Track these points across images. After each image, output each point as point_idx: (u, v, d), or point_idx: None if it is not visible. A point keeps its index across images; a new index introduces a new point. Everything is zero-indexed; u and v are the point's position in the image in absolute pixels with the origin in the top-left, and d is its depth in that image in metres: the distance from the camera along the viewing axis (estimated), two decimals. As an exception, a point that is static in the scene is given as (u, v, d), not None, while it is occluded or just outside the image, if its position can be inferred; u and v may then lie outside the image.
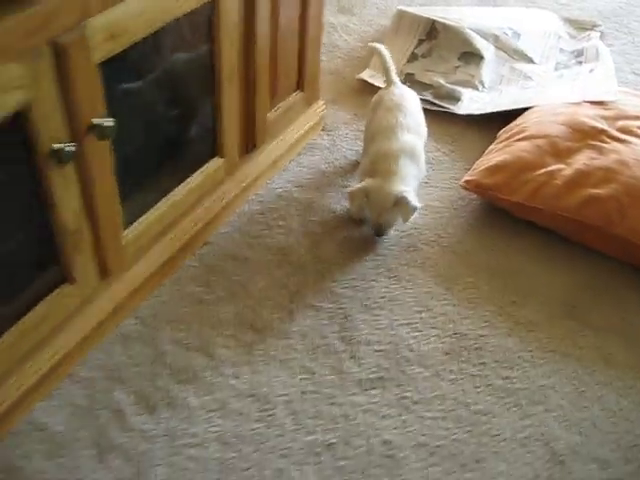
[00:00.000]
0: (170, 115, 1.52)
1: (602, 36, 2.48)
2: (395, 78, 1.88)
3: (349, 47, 2.41)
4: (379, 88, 1.98)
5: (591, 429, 1.39)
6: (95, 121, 1.22)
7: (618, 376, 1.49)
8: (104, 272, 1.42)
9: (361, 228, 1.75)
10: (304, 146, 1.98)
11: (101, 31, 1.17)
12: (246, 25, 1.53)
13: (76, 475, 1.26)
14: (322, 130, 2.06)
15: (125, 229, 1.44)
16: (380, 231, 1.70)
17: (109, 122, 1.23)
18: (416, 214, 1.65)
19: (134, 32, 1.25)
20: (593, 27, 2.49)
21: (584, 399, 1.45)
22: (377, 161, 1.69)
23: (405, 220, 1.67)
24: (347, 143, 2.03)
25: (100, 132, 1.23)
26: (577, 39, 2.43)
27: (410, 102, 1.82)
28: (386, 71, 1.88)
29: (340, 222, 1.77)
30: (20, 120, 1.10)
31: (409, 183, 1.65)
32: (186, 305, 1.55)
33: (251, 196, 1.82)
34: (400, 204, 1.63)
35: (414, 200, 1.64)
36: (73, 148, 1.19)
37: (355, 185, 1.69)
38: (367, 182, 1.66)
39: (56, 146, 1.16)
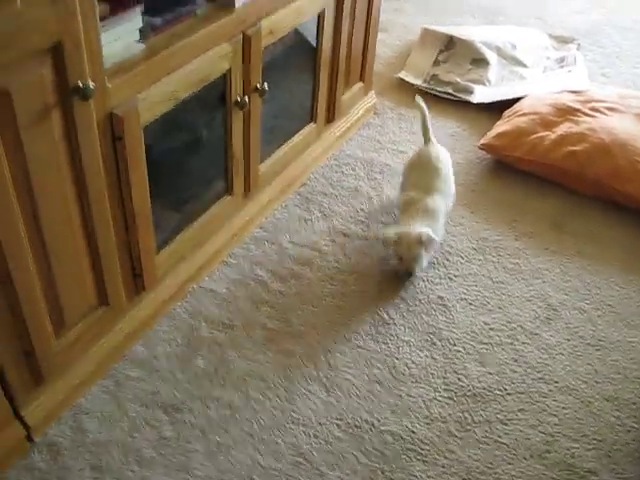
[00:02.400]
0: (291, 86, 2.25)
1: (579, 47, 3.28)
2: (432, 137, 2.22)
3: (386, 56, 3.18)
4: (411, 84, 2.73)
5: (573, 292, 2.12)
6: (258, 85, 1.96)
7: (588, 262, 2.22)
8: (247, 190, 2.14)
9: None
10: (363, 123, 2.73)
11: (266, 29, 1.92)
12: (335, 29, 2.27)
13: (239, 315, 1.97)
14: (374, 113, 2.80)
15: (261, 163, 2.17)
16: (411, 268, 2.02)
17: (265, 86, 1.97)
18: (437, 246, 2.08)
19: (282, 29, 2.00)
20: (572, 41, 3.28)
21: (567, 275, 2.17)
22: (406, 211, 2.08)
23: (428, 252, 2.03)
24: (392, 122, 2.78)
25: (260, 92, 1.97)
26: (559, 50, 3.21)
27: (444, 163, 2.16)
28: (425, 130, 2.22)
29: (393, 173, 2.50)
30: (224, 79, 1.84)
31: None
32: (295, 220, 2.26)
33: (329, 156, 2.55)
34: (423, 242, 1.97)
35: (433, 235, 1.99)
36: (246, 100, 1.92)
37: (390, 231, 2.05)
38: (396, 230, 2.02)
39: (239, 98, 1.90)
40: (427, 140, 2.22)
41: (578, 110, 2.60)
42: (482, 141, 2.57)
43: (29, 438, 1.63)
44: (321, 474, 1.60)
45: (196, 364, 1.82)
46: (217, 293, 2.01)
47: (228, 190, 2.06)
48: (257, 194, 2.20)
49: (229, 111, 1.89)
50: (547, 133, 2.52)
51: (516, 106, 2.71)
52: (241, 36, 1.81)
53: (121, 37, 1.48)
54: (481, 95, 2.87)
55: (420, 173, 2.14)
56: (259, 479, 1.59)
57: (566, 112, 2.59)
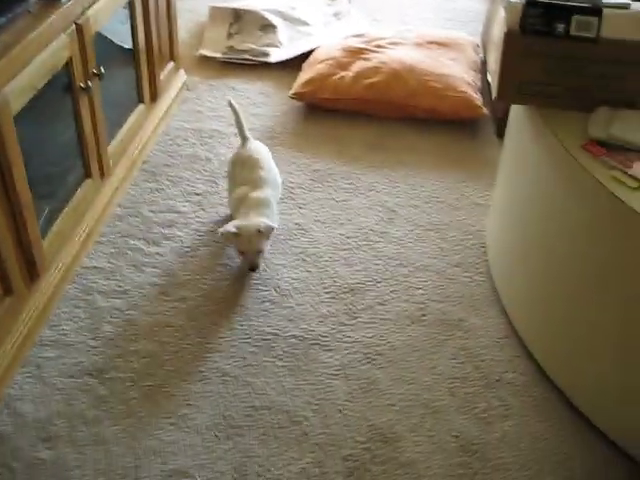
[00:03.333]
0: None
1: (350, 1, 3.68)
2: (248, 134, 2.28)
3: (182, 38, 3.37)
4: (212, 57, 2.99)
5: (403, 194, 2.49)
6: (95, 70, 2.13)
7: (409, 169, 2.61)
8: (102, 172, 2.30)
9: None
10: (181, 99, 2.96)
11: (93, 17, 2.09)
12: (144, 16, 2.47)
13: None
14: (187, 89, 3.03)
15: (108, 146, 2.33)
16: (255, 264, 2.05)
17: (102, 69, 2.14)
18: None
19: (105, 17, 2.18)
20: (341, -4, 3.68)
21: (395, 182, 2.54)
22: (238, 208, 2.10)
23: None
24: (205, 93, 3.03)
25: (99, 76, 2.14)
26: (333, 5, 3.59)
27: (263, 155, 2.23)
28: (240, 129, 2.28)
29: (222, 135, 2.74)
30: (67, 68, 1.99)
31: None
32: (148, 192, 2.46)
33: (160, 132, 2.75)
34: (262, 231, 2.00)
35: (271, 223, 2.03)
36: (90, 85, 2.09)
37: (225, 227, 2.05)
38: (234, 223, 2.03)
39: (83, 84, 2.06)
40: (244, 138, 2.27)
41: (365, 49, 2.98)
42: (292, 91, 2.88)
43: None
44: (247, 383, 1.84)
45: (104, 330, 1.98)
46: (101, 268, 2.17)
47: (87, 173, 2.21)
48: (110, 175, 2.36)
49: (76, 97, 2.05)
50: (345, 73, 2.88)
51: (312, 57, 3.04)
52: (74, 26, 1.98)
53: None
54: (277, 55, 3.18)
55: (244, 170, 2.17)
56: (196, 403, 1.79)
57: (356, 53, 2.96)
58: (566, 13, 1.60)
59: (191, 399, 1.79)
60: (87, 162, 2.18)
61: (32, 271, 1.92)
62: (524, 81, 1.72)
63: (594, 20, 1.59)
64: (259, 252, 2.03)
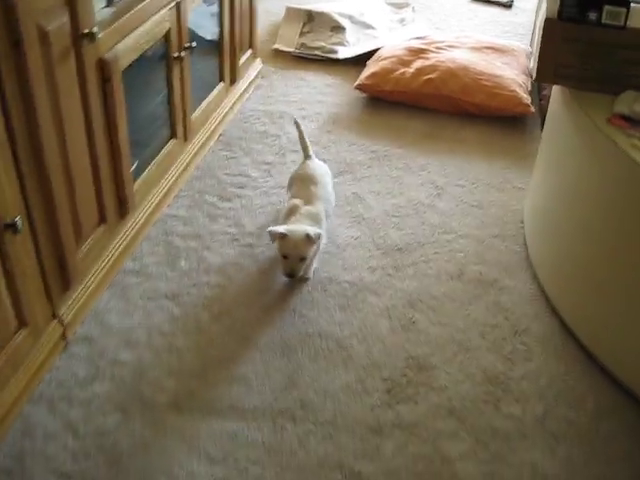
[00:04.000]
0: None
1: (414, 10, 3.98)
2: (311, 152, 2.37)
3: (259, 35, 3.73)
4: (287, 53, 3.32)
5: (452, 175, 2.74)
6: (187, 44, 2.45)
7: (459, 156, 2.87)
8: (185, 135, 2.62)
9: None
10: (256, 84, 3.27)
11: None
12: (231, 11, 2.80)
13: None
14: (262, 77, 3.35)
15: (192, 114, 2.65)
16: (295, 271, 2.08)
17: (193, 44, 2.46)
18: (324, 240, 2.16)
19: (199, -3, 2.50)
20: (406, 5, 3.98)
21: (445, 165, 2.80)
22: (289, 217, 2.15)
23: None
24: (277, 81, 3.34)
25: (190, 50, 2.46)
26: (398, 13, 3.89)
27: (321, 173, 2.30)
28: (304, 146, 2.38)
29: (290, 116, 3.05)
30: (166, 38, 2.31)
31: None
32: (223, 159, 2.76)
33: (235, 111, 3.06)
34: (312, 238, 2.04)
35: (320, 231, 2.08)
36: (182, 55, 2.41)
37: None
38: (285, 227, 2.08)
39: (177, 54, 2.38)
40: (307, 156, 2.36)
41: (426, 50, 3.26)
42: (357, 82, 3.18)
43: (64, 336, 2.03)
44: (303, 315, 2.11)
45: (180, 265, 2.28)
46: (179, 216, 2.47)
47: (172, 134, 2.52)
48: (191, 140, 2.68)
49: (170, 65, 2.37)
50: (406, 69, 3.16)
51: (376, 55, 3.34)
52: (175, 4, 2.30)
53: (95, 4, 1.92)
54: (344, 52, 3.49)
55: (301, 184, 2.25)
56: (257, 327, 2.07)
57: (417, 52, 3.25)
58: (598, 3, 1.86)
59: (253, 323, 2.07)
60: (174, 124, 2.49)
61: (123, 208, 2.22)
62: (560, 64, 1.98)
63: (623, 10, 1.84)
64: (302, 259, 2.05)
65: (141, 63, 2.14)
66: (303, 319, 2.09)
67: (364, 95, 3.20)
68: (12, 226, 1.64)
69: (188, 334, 2.03)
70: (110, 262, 2.19)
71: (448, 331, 2.07)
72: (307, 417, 1.81)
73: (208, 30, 2.73)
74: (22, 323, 1.79)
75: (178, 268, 2.25)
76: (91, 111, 1.89)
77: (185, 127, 2.58)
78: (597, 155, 1.87)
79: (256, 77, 3.25)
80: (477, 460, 1.73)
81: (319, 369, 1.94)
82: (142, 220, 2.36)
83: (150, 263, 2.27)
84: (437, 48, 3.26)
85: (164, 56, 2.32)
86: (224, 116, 2.94)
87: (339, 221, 2.47)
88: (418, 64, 3.15)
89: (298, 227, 2.05)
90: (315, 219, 2.14)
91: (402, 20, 3.79)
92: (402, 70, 3.13)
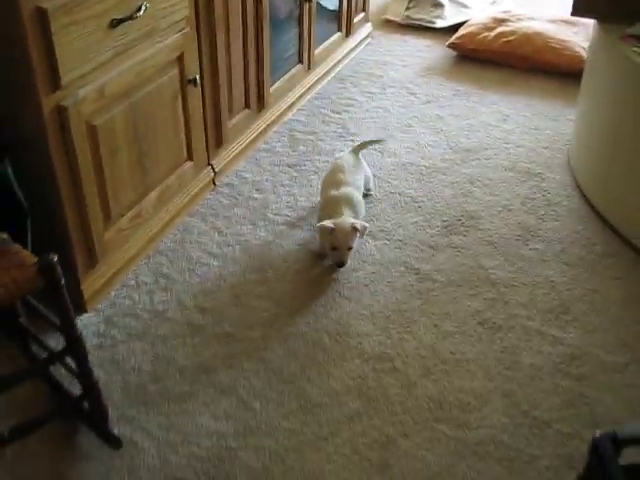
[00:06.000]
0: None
1: (502, -6, 4.70)
2: (355, 151, 2.60)
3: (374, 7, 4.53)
4: (394, 22, 4.11)
5: (517, 109, 3.43)
6: (317, -11, 3.26)
7: (524, 97, 3.54)
8: (309, 64, 3.42)
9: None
10: (366, 42, 4.06)
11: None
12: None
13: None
14: (371, 37, 4.14)
15: (315, 50, 3.45)
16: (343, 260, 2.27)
17: (320, -10, 3.27)
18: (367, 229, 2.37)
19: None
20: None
21: (512, 102, 3.47)
22: (330, 205, 2.34)
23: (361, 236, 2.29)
24: (385, 42, 4.11)
25: (318, -6, 3.27)
26: (491, -4, 4.62)
27: (350, 163, 2.51)
28: (361, 146, 2.65)
29: (393, 64, 3.82)
30: None
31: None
32: (336, 89, 3.55)
33: (348, 60, 3.85)
34: (359, 230, 2.24)
35: (365, 224, 2.29)
36: (312, -3, 3.21)
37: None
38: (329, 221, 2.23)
39: (309, -6, 3.19)
40: (353, 151, 2.61)
41: (507, 19, 3.96)
42: (449, 41, 3.91)
43: (213, 181, 2.84)
44: (391, 185, 2.85)
45: (299, 148, 3.05)
46: (300, 121, 3.26)
47: (300, 60, 3.33)
48: (313, 70, 3.48)
49: (302, 5, 3.18)
50: (489, 33, 3.87)
51: (467, 23, 4.07)
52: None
53: None
54: (441, 23, 4.23)
55: (334, 176, 2.46)
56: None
57: (500, 21, 3.95)
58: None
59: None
60: (301, 53, 3.30)
61: (261, 102, 3.03)
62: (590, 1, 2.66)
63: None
64: (349, 249, 2.24)
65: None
66: (388, 184, 2.83)
67: (454, 53, 3.92)
68: (192, 81, 2.45)
69: (303, 186, 2.80)
70: (248, 140, 3.00)
71: (497, 199, 2.76)
72: (384, 237, 2.54)
73: (330, 2, 3.53)
74: (189, 157, 2.60)
75: (298, 150, 3.04)
76: (247, 26, 2.71)
77: (309, 58, 3.37)
78: (612, 63, 2.54)
79: (367, 36, 4.03)
80: (505, 270, 2.41)
81: (396, 213, 2.67)
82: (273, 118, 3.16)
83: (277, 146, 3.07)
84: (517, 19, 3.96)
85: (298, -4, 3.13)
86: (339, 60, 3.72)
87: (422, 130, 3.20)
88: (500, 29, 3.86)
89: (345, 219, 2.25)
90: (353, 206, 2.36)
91: (494, 2, 4.50)
92: (486, 34, 3.84)
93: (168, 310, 2.22)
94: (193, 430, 1.87)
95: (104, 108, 2.07)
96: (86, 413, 1.81)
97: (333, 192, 2.37)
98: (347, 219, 2.25)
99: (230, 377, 2.01)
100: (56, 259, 1.55)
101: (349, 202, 2.34)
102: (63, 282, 1.57)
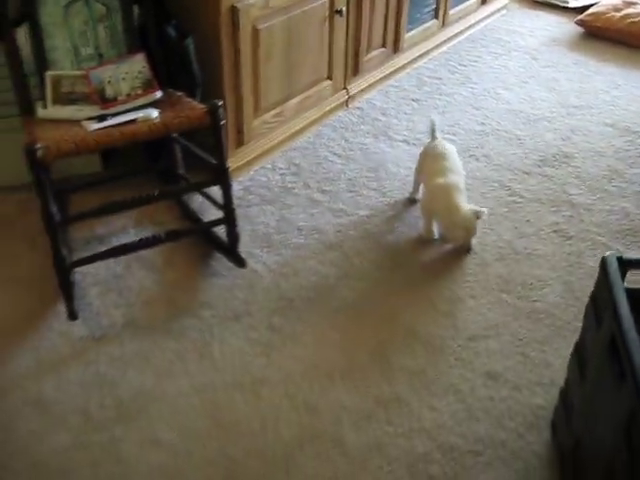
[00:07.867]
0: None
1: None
2: (438, 135, 2.60)
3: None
4: None
5: (627, 80, 3.75)
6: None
7: (637, 72, 3.85)
8: (398, 46, 3.85)
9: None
10: (501, 14, 4.45)
11: None
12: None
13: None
14: (506, 10, 4.52)
15: (408, 33, 3.87)
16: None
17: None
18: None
19: None
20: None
21: (621, 71, 3.80)
22: (438, 195, 2.41)
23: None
24: (519, 15, 4.48)
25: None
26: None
27: (450, 152, 2.53)
28: (432, 132, 2.61)
29: (521, 36, 4.20)
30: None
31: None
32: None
33: (485, 23, 4.25)
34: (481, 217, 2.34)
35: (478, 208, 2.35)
36: None
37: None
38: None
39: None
40: (433, 138, 2.60)
41: (637, 2, 4.25)
42: (577, 18, 4.23)
43: (346, 103, 3.32)
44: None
45: (424, 89, 3.50)
46: (429, 68, 3.70)
47: (435, 16, 3.77)
48: (447, 27, 3.90)
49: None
50: (616, 13, 4.16)
51: (597, 4, 4.37)
52: None
53: None
54: (575, 2, 4.55)
55: (438, 163, 2.48)
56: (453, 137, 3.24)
57: (628, 4, 4.23)
58: None
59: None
60: (437, 10, 3.73)
61: (397, 45, 3.49)
62: None
63: None
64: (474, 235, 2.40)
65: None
66: (497, 123, 3.23)
67: (581, 30, 4.24)
68: (339, 12, 2.94)
69: (422, 116, 3.24)
70: (381, 75, 3.46)
71: (592, 146, 3.10)
72: (485, 160, 2.95)
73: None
74: (329, 77, 3.10)
75: (422, 89, 3.48)
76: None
77: (444, 16, 3.81)
78: None
79: (502, 7, 4.41)
80: (587, 197, 2.76)
81: (500, 145, 3.07)
82: (406, 62, 3.62)
83: (405, 84, 3.52)
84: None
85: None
86: (472, 25, 4.13)
87: (537, 87, 3.57)
88: (627, 11, 4.14)
89: (469, 207, 2.36)
90: (463, 193, 2.43)
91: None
92: (613, 14, 4.14)
93: (295, 188, 2.72)
94: (303, 268, 2.35)
95: (267, 16, 2.59)
96: (217, 241, 2.34)
97: (443, 180, 2.42)
98: (468, 206, 2.38)
99: (338, 238, 2.48)
100: (220, 103, 2.07)
101: (460, 190, 2.42)
102: (223, 122, 2.09)
